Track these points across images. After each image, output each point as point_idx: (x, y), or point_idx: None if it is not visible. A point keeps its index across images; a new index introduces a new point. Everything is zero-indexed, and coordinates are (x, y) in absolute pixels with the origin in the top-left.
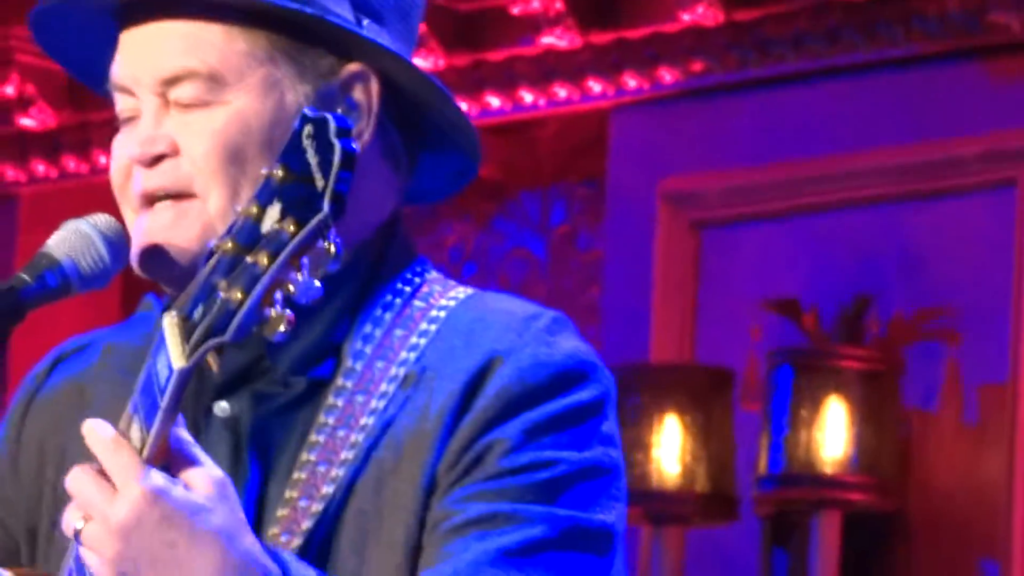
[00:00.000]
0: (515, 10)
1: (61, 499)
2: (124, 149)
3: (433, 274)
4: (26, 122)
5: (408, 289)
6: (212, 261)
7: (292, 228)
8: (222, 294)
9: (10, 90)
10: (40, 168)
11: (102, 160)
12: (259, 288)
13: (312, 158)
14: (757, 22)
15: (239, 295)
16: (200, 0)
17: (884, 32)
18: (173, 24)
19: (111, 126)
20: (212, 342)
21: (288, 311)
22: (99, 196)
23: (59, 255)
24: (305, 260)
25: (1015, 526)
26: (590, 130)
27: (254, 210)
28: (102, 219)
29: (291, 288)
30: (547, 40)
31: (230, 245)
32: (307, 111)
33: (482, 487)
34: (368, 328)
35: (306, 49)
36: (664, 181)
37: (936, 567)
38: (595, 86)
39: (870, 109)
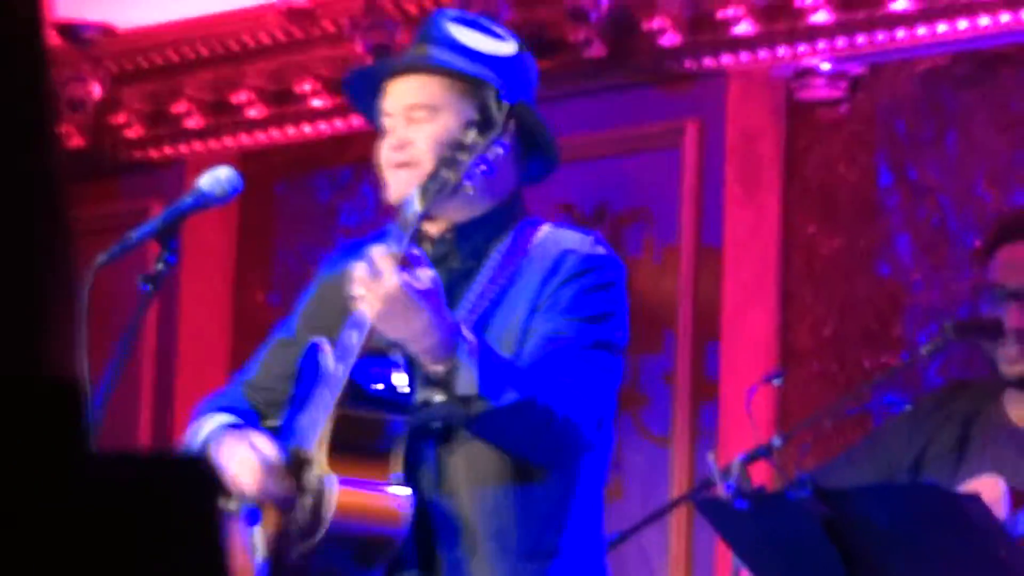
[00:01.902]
0: None
1: (343, 316)
2: (387, 142)
3: (533, 217)
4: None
5: (520, 223)
6: (433, 175)
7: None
8: (442, 177)
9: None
10: (198, 146)
11: (227, 141)
12: (452, 181)
13: (461, 156)
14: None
15: (452, 177)
16: (426, 67)
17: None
18: (415, 78)
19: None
20: (437, 193)
21: (464, 185)
22: (227, 160)
23: (205, 187)
24: (464, 181)
25: (681, 308)
26: None
27: (441, 171)
28: (225, 169)
29: (467, 189)
30: None
31: (443, 170)
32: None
33: (556, 316)
34: (505, 239)
35: (480, 89)
36: None
37: (641, 334)
38: None
39: (608, 106)
